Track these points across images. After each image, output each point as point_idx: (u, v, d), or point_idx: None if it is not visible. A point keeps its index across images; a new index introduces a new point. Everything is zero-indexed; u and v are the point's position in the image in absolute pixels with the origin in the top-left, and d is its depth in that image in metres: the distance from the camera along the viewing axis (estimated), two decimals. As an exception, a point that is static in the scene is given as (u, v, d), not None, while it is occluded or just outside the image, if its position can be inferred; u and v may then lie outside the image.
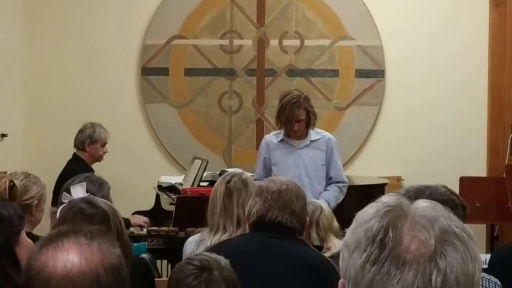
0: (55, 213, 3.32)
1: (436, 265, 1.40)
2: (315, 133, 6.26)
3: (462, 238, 1.44)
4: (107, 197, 3.91)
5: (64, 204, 3.18)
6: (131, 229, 6.30)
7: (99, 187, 3.97)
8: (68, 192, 3.44)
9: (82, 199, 3.16)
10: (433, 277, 1.39)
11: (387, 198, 1.51)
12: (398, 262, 1.40)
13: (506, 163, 7.60)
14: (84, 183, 3.62)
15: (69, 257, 1.70)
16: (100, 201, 3.16)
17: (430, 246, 1.41)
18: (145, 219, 6.56)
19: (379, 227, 1.44)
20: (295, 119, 6.10)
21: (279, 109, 6.20)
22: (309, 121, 6.17)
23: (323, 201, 5.90)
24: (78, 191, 3.41)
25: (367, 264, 1.42)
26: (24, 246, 2.71)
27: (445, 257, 1.40)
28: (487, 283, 3.43)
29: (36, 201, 4.07)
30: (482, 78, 7.87)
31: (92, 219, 2.97)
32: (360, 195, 6.33)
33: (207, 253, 2.82)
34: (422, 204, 1.48)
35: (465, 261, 1.42)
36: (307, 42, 8.09)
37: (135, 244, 5.21)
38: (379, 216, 1.46)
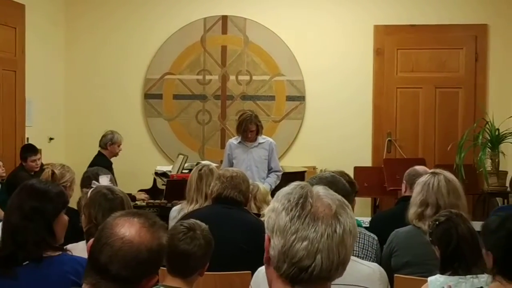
0: (86, 193, 3.26)
1: (338, 221, 1.43)
2: (262, 138, 6.30)
3: (347, 206, 1.48)
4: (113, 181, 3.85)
5: (92, 188, 3.13)
6: (136, 202, 6.28)
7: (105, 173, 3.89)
8: (97, 180, 3.39)
9: (105, 187, 3.08)
10: (337, 228, 1.42)
11: (297, 182, 1.53)
12: (314, 218, 1.42)
13: (384, 157, 7.66)
14: (110, 175, 3.55)
15: (130, 229, 1.69)
16: (118, 190, 3.08)
17: (333, 209, 1.44)
18: (146, 196, 6.52)
19: (299, 195, 1.46)
20: (249, 130, 6.13)
21: (239, 123, 6.23)
22: (258, 131, 6.21)
23: (268, 184, 5.99)
24: (104, 180, 3.35)
25: (294, 219, 1.42)
26: (61, 223, 2.62)
27: (342, 217, 1.44)
28: (367, 237, 3.43)
29: (69, 184, 4.03)
30: (368, 102, 7.87)
31: (112, 202, 2.94)
32: (289, 178, 6.32)
33: (194, 220, 2.80)
34: (319, 187, 1.51)
35: (351, 219, 1.46)
36: (254, 77, 8.08)
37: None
38: (298, 188, 1.48)
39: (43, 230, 2.50)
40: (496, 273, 2.54)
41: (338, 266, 1.42)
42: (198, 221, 2.73)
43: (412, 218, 3.40)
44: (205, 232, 2.67)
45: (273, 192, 5.14)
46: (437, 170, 3.49)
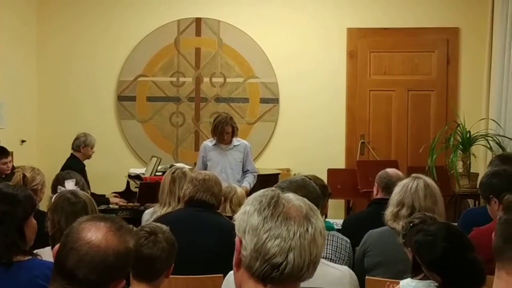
0: (51, 198, 3.24)
1: (310, 222, 1.47)
2: (237, 141, 6.28)
3: (316, 211, 1.51)
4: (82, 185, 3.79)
5: (57, 193, 3.11)
6: (110, 205, 6.24)
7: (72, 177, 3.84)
8: (63, 185, 3.36)
9: (69, 191, 3.06)
10: (309, 228, 1.46)
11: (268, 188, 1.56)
12: (286, 217, 1.45)
13: (357, 160, 7.69)
14: (75, 179, 3.52)
15: (97, 233, 1.68)
16: (82, 193, 3.06)
17: (303, 211, 1.48)
18: (122, 200, 6.46)
19: (271, 197, 1.48)
20: (225, 132, 6.12)
21: (214, 125, 6.20)
22: (234, 133, 6.21)
23: (247, 183, 6.04)
24: (70, 184, 3.32)
25: (266, 218, 1.45)
26: (30, 226, 2.61)
27: (313, 218, 1.48)
28: (340, 240, 3.46)
29: (40, 186, 4.00)
30: (341, 104, 7.89)
31: (75, 205, 2.91)
32: (263, 180, 6.30)
33: (154, 223, 2.78)
34: (288, 193, 1.54)
35: (320, 221, 1.50)
36: (228, 80, 8.07)
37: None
38: (269, 191, 1.51)
39: (13, 233, 2.49)
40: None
41: (309, 265, 1.44)
42: (159, 224, 2.72)
43: (388, 218, 3.44)
44: (167, 234, 2.65)
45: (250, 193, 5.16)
46: (419, 175, 3.56)
